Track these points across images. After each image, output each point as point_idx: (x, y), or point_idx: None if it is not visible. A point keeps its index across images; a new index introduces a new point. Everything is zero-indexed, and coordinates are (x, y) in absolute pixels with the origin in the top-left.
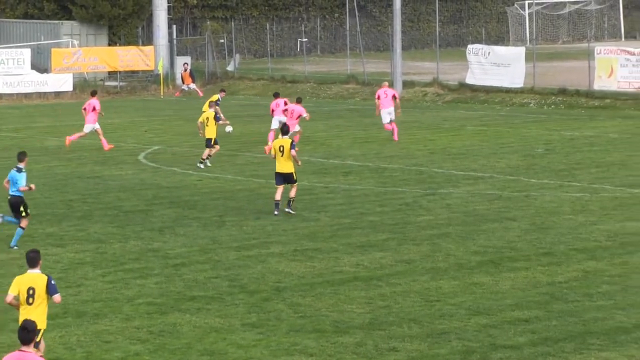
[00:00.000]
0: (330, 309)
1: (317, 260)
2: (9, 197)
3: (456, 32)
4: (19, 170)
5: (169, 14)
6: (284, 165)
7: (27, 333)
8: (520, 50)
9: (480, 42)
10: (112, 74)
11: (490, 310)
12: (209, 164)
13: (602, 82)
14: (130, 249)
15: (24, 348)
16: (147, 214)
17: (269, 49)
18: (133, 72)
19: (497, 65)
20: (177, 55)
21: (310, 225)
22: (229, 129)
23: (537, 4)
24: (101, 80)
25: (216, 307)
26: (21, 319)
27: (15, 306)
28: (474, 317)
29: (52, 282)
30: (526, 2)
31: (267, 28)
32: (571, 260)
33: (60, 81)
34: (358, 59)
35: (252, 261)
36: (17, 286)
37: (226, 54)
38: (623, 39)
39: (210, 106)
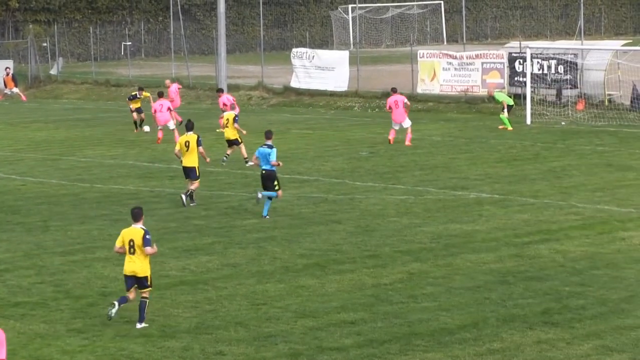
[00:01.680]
0: (157, 313)
1: None
2: (262, 172)
3: (280, 35)
4: (269, 147)
5: None
6: (189, 160)
7: None
8: (344, 54)
9: (304, 45)
10: None
11: (316, 313)
12: (225, 160)
13: (425, 86)
14: None
15: None
16: None
17: (92, 53)
18: None
19: (321, 68)
20: None
21: None
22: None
23: (361, 8)
24: None
25: (41, 312)
26: (125, 267)
27: (122, 253)
28: (300, 320)
29: (147, 236)
30: (349, 7)
31: (91, 31)
32: (396, 262)
33: None
34: (183, 62)
35: (78, 266)
36: (122, 238)
37: (49, 57)
38: (445, 43)
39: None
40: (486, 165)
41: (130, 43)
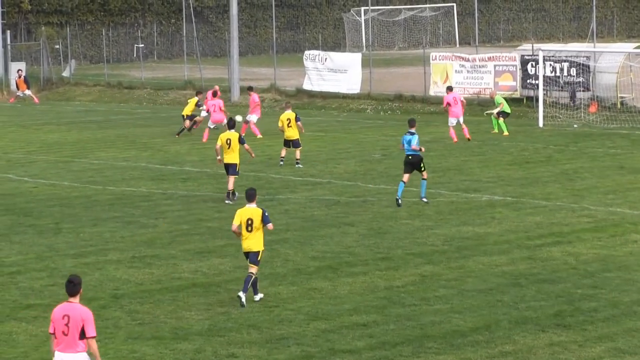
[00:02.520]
0: (169, 315)
1: (155, 267)
2: (409, 157)
3: (293, 38)
4: (412, 133)
5: (2, 19)
6: (231, 157)
7: (73, 286)
8: (357, 57)
9: (317, 48)
10: None
11: (328, 315)
12: (300, 165)
13: (438, 88)
14: None
15: (71, 299)
16: None
17: (105, 55)
18: None
19: (333, 71)
20: (12, 61)
21: (148, 231)
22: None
23: (373, 10)
24: None
25: None
26: (243, 245)
27: (237, 234)
28: (312, 322)
29: (266, 214)
30: (362, 9)
31: (103, 34)
32: (408, 264)
33: None
34: (195, 64)
35: (90, 268)
36: (239, 217)
37: (62, 59)
38: (458, 45)
39: (287, 107)
40: (498, 168)
41: (142, 45)
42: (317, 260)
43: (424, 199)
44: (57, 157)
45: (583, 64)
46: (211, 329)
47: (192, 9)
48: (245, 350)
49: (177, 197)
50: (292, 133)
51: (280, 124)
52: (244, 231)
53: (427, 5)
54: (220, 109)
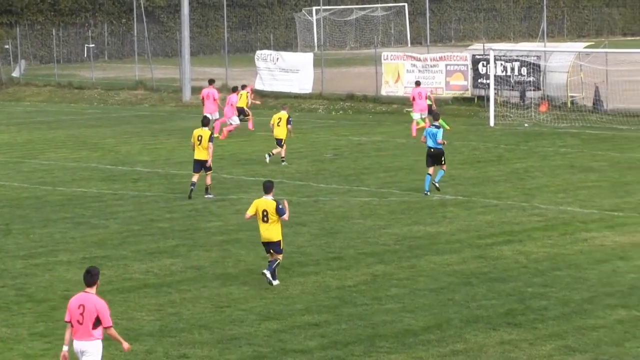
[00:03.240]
0: (120, 316)
1: (106, 268)
2: (431, 150)
3: (245, 38)
4: (437, 127)
5: None
6: (201, 154)
7: (91, 277)
8: (309, 56)
9: (268, 48)
10: None
11: (280, 315)
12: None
13: (389, 88)
14: None
15: (87, 290)
16: None
17: (55, 55)
18: None
19: (285, 71)
20: None
21: (99, 232)
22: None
23: (325, 10)
24: None
25: (3, 317)
26: (262, 235)
27: (248, 220)
28: (264, 322)
29: (280, 206)
30: (314, 9)
31: (53, 34)
32: (360, 264)
33: None
34: (146, 64)
35: (40, 270)
36: (254, 208)
37: (11, 60)
38: (409, 45)
39: (283, 108)
40: (450, 167)
41: (93, 45)
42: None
43: (436, 184)
44: (7, 157)
45: (534, 64)
46: (162, 330)
47: (143, 9)
48: (196, 351)
49: (128, 197)
50: (280, 132)
51: (271, 122)
52: (260, 222)
53: (379, 5)
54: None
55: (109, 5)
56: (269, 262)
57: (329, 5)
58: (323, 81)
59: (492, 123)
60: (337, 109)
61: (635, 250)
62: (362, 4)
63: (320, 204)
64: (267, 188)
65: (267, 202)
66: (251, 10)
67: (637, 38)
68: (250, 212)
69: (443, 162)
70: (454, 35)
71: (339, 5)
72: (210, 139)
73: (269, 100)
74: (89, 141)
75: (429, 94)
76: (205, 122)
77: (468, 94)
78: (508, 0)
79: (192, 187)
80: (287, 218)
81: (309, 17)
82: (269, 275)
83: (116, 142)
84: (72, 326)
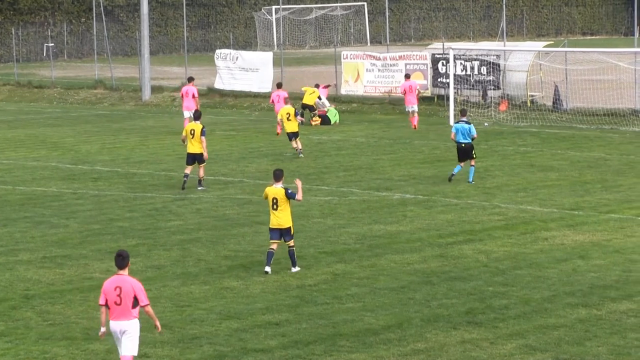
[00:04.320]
0: (80, 316)
1: (66, 267)
2: (462, 145)
3: (204, 37)
4: (467, 122)
5: None
6: (194, 147)
7: (122, 259)
8: (268, 55)
9: (228, 47)
10: None
11: (241, 315)
12: (302, 155)
13: (349, 87)
14: None
15: (120, 272)
16: None
17: (14, 54)
18: None
19: (245, 70)
20: None
21: (59, 231)
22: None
23: (284, 9)
24: None
25: None
26: (272, 222)
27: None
28: (225, 322)
29: (289, 191)
30: (273, 8)
31: (13, 32)
32: (320, 263)
33: None
34: (106, 64)
35: (0, 269)
36: (266, 195)
37: None
38: (369, 44)
39: (286, 102)
40: (410, 166)
41: (52, 44)
42: (229, 260)
43: (472, 182)
44: None
45: (493, 63)
46: None
47: (102, 8)
48: (157, 350)
49: (88, 196)
50: (290, 127)
51: (279, 118)
52: (270, 209)
53: (338, 4)
54: (285, 100)
55: (68, 4)
56: (268, 252)
57: (288, 4)
58: (283, 80)
59: (452, 122)
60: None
61: (595, 249)
62: (321, 4)
63: None
64: (277, 176)
65: (276, 189)
66: (210, 9)
67: (596, 37)
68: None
69: (474, 156)
70: (414, 34)
71: (299, 4)
72: (203, 132)
73: (229, 99)
74: (48, 140)
75: (418, 87)
76: (197, 115)
77: (428, 93)
78: (467, 0)
79: (185, 179)
80: (300, 198)
81: (269, 16)
82: (269, 269)
83: (76, 141)
84: (108, 308)
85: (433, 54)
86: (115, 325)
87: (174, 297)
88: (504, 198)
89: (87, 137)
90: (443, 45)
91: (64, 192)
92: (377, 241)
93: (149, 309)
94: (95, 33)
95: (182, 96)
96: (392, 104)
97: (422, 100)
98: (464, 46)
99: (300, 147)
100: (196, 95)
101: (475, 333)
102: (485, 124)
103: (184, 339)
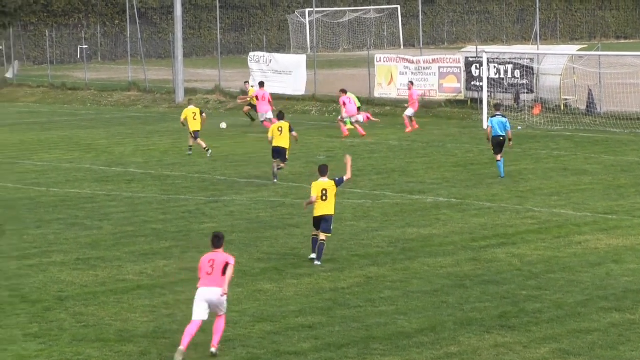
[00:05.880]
0: (114, 317)
1: (100, 269)
2: (500, 138)
3: (237, 39)
4: (503, 116)
5: None
6: (282, 142)
7: (218, 240)
8: (302, 58)
9: (261, 49)
10: None
11: (274, 317)
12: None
13: (382, 90)
14: None
15: (215, 250)
16: None
17: (48, 56)
18: None
19: (278, 72)
20: None
21: (92, 233)
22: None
23: (318, 12)
24: None
25: None
26: (316, 212)
27: (312, 203)
28: (258, 324)
29: (337, 179)
30: (306, 10)
31: (47, 35)
32: (353, 266)
33: None
34: (139, 66)
35: (34, 270)
36: (316, 190)
37: (5, 61)
38: (402, 47)
39: (270, 102)
40: (443, 170)
41: (86, 46)
42: (262, 262)
43: (503, 176)
44: (1, 158)
45: (527, 66)
46: (156, 331)
47: (136, 10)
48: (190, 353)
49: (121, 198)
50: (196, 125)
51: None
52: (319, 200)
53: (372, 7)
54: (269, 100)
55: (102, 6)
56: (313, 238)
57: (321, 7)
58: (316, 83)
59: (485, 125)
60: (330, 110)
61: (628, 253)
62: (355, 6)
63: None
64: (323, 171)
65: (324, 183)
66: (244, 11)
67: (630, 41)
68: (314, 194)
69: (510, 142)
70: (447, 37)
71: (332, 7)
72: (291, 129)
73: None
74: (82, 142)
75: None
76: (282, 116)
77: (461, 97)
78: (501, 3)
79: (277, 170)
80: (349, 176)
81: (302, 19)
82: (316, 258)
83: (109, 143)
84: (200, 278)
85: (466, 58)
86: (205, 291)
87: None
88: (538, 202)
89: (120, 139)
90: (476, 48)
91: (97, 194)
92: (410, 244)
93: (230, 272)
94: (129, 35)
95: (257, 98)
96: (425, 107)
97: (456, 103)
98: (497, 49)
99: (194, 144)
100: (269, 98)
101: (509, 337)
102: (519, 127)
103: None
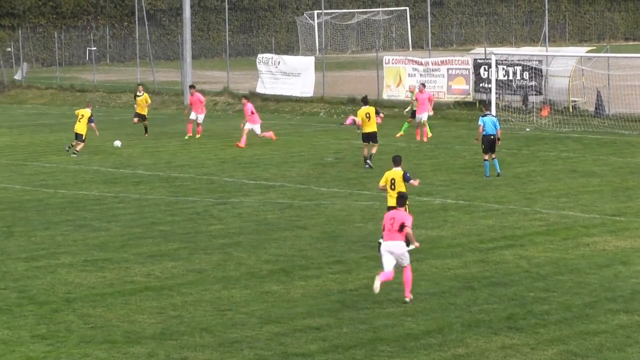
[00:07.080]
0: (122, 319)
1: (107, 271)
2: (491, 137)
3: (246, 41)
4: (493, 115)
5: None
6: (370, 127)
7: (402, 199)
8: (310, 60)
9: (270, 51)
10: None
11: (281, 319)
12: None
13: (391, 92)
14: None
15: (399, 209)
16: None
17: (57, 58)
18: None
19: (287, 74)
20: None
21: (100, 235)
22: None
23: (326, 14)
24: None
25: (4, 319)
26: (388, 201)
27: (384, 190)
28: (265, 326)
29: (407, 174)
30: (315, 12)
31: (55, 36)
32: (361, 268)
33: None
34: (148, 67)
35: (42, 272)
36: (385, 178)
37: (13, 62)
38: (411, 49)
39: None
40: (451, 171)
41: (95, 48)
42: (270, 264)
43: (499, 173)
44: (9, 160)
45: (535, 68)
46: (164, 333)
47: (144, 12)
48: (198, 354)
49: (129, 200)
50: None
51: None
52: (389, 189)
53: (380, 9)
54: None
55: (110, 8)
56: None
57: (330, 9)
58: (324, 85)
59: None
60: (338, 112)
61: (637, 255)
62: (363, 8)
63: (322, 208)
64: (397, 161)
65: (395, 172)
66: (252, 13)
67: (639, 43)
68: (381, 183)
69: (496, 148)
70: (456, 39)
71: (341, 9)
72: (377, 111)
73: (270, 104)
74: (90, 144)
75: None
76: (365, 101)
77: (470, 98)
78: (509, 5)
79: (369, 156)
80: (416, 184)
81: (311, 21)
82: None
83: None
84: (383, 230)
85: (475, 59)
86: (386, 245)
87: (214, 301)
88: (546, 203)
89: (129, 141)
90: (485, 50)
91: (105, 196)
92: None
93: (409, 230)
94: (137, 37)
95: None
96: (433, 109)
97: (464, 105)
98: (506, 51)
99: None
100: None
101: (516, 338)
102: (527, 129)
103: (224, 343)
